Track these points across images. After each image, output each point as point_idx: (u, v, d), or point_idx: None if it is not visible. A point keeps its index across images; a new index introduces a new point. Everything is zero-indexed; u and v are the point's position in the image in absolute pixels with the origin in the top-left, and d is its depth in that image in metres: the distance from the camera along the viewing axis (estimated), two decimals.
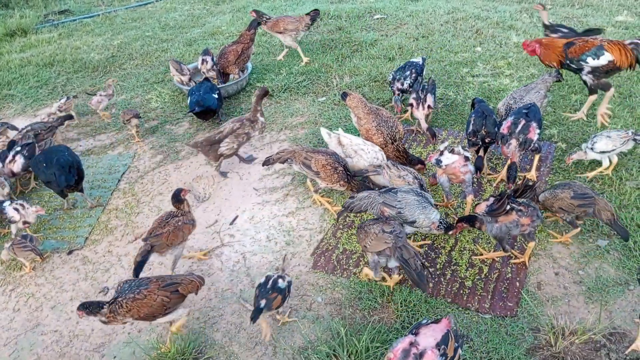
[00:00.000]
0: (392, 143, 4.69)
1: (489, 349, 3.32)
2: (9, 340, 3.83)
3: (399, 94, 5.59)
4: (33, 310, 4.06)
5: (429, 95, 5.29)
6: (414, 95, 5.36)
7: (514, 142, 4.32)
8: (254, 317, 3.35)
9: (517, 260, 3.90)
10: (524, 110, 4.44)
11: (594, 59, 4.87)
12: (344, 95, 4.98)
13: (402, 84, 5.56)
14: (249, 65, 6.90)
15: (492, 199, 3.68)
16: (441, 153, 4.23)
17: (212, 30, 9.08)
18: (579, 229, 4.00)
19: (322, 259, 4.14)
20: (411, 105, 5.37)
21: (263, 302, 3.38)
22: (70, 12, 11.27)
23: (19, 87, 7.65)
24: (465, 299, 3.68)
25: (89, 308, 3.34)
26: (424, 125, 5.29)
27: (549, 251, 4.00)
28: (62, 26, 10.35)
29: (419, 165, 4.69)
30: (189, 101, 5.94)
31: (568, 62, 4.98)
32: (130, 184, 5.36)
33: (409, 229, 3.77)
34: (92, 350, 3.70)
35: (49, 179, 4.70)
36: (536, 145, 4.40)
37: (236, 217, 4.74)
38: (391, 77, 5.72)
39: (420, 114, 5.29)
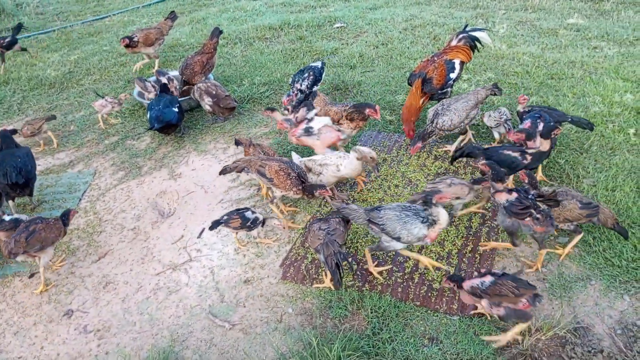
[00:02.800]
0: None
1: (458, 350, 3.36)
2: None
3: (296, 94, 5.78)
4: None
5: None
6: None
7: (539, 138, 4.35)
8: (212, 226, 4.25)
9: (530, 270, 3.89)
10: (535, 115, 4.56)
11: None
12: (237, 142, 5.12)
13: (301, 85, 5.78)
14: (211, 76, 6.86)
15: (515, 196, 3.64)
16: (309, 120, 4.92)
17: (171, 42, 8.99)
18: (582, 234, 3.96)
19: (291, 269, 4.13)
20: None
21: (225, 217, 4.21)
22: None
23: None
24: (433, 301, 3.72)
25: None
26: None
27: (512, 251, 4.09)
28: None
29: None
30: (148, 116, 5.85)
31: None
32: (91, 202, 5.24)
33: (398, 245, 3.75)
34: None
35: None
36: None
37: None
38: (291, 79, 5.96)
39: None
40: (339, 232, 3.86)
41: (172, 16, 7.78)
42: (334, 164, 4.52)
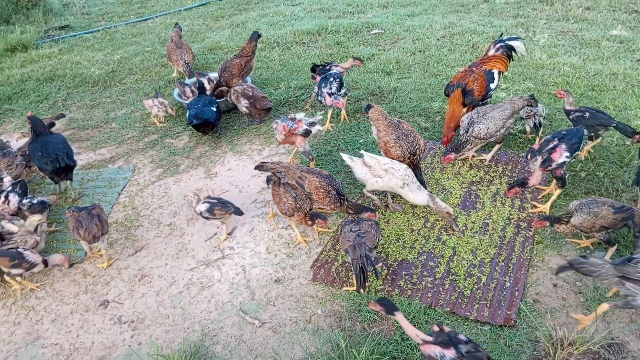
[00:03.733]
0: (410, 157, 4.68)
1: None
2: (9, 354, 3.83)
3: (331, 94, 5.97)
4: (33, 323, 4.07)
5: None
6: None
7: (539, 159, 4.33)
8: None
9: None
10: (563, 132, 4.43)
11: None
12: (368, 107, 5.02)
13: (330, 89, 5.95)
14: (249, 78, 6.97)
15: None
16: (312, 124, 5.12)
17: (211, 45, 9.17)
18: (616, 245, 3.93)
19: (321, 271, 4.16)
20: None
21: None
22: (70, 27, 11.37)
23: (19, 101, 7.70)
24: (464, 307, 3.70)
25: None
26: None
27: (547, 263, 4.03)
28: (63, 41, 10.44)
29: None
30: (187, 114, 5.99)
31: None
32: (130, 197, 5.39)
33: None
34: None
35: (41, 165, 5.15)
36: (561, 172, 4.38)
37: (234, 228, 4.77)
38: (317, 87, 6.11)
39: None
40: (369, 235, 3.87)
41: (177, 27, 8.09)
42: (401, 179, 4.36)
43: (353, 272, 3.81)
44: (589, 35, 7.95)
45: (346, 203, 4.37)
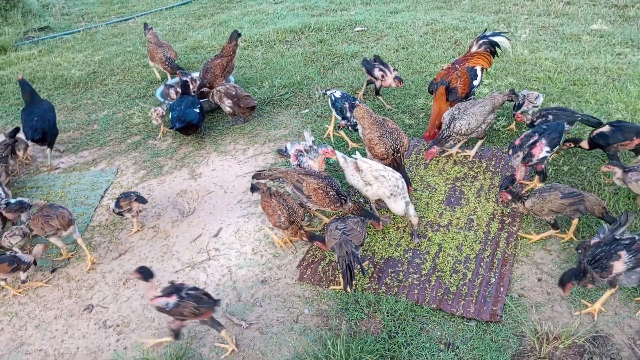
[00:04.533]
0: (394, 154, 4.67)
1: (475, 356, 3.34)
2: None
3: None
4: (17, 329, 4.01)
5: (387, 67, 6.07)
6: (377, 69, 6.05)
7: (520, 155, 4.38)
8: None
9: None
10: (544, 126, 4.47)
11: None
12: (352, 106, 4.95)
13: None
14: (232, 77, 6.93)
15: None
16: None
17: (193, 44, 9.11)
18: (559, 229, 4.10)
19: (308, 271, 4.15)
20: (382, 75, 6.06)
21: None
22: (50, 29, 11.21)
23: None
24: (450, 304, 3.71)
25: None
26: (393, 83, 6.06)
27: (531, 258, 4.06)
28: (43, 43, 10.30)
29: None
30: (170, 117, 5.93)
31: None
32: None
33: None
34: None
35: (25, 131, 5.80)
36: (542, 167, 4.42)
37: (220, 229, 4.74)
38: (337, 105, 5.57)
39: (389, 79, 6.03)
40: (355, 232, 3.86)
41: (148, 28, 7.96)
42: (389, 190, 4.25)
43: (340, 270, 3.80)
44: (569, 30, 8.02)
45: (351, 204, 4.31)
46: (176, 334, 3.49)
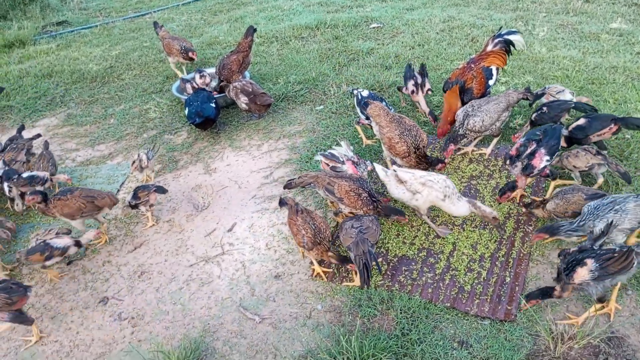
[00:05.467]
0: (415, 152, 4.64)
1: (488, 355, 3.33)
2: (9, 351, 3.83)
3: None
4: None
5: (426, 80, 5.72)
6: (412, 82, 5.66)
7: (519, 165, 4.32)
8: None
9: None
10: (538, 132, 4.37)
11: None
12: (365, 104, 4.88)
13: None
14: (247, 74, 6.95)
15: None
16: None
17: (209, 40, 9.14)
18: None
19: (321, 267, 4.15)
20: (412, 92, 5.67)
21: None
22: (68, 23, 11.31)
23: (17, 98, 7.67)
24: (464, 302, 3.69)
25: (42, 195, 4.45)
26: (426, 109, 5.63)
27: (547, 257, 4.03)
28: (60, 37, 10.40)
29: (440, 165, 4.75)
30: (187, 112, 5.97)
31: None
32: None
33: None
34: None
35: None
36: (547, 172, 4.35)
37: (234, 224, 4.77)
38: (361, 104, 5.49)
39: (420, 98, 5.68)
40: (371, 230, 3.85)
41: (159, 27, 7.81)
42: (442, 191, 4.09)
43: (357, 269, 3.80)
44: (588, 29, 7.92)
45: (378, 205, 4.23)
46: None
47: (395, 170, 4.25)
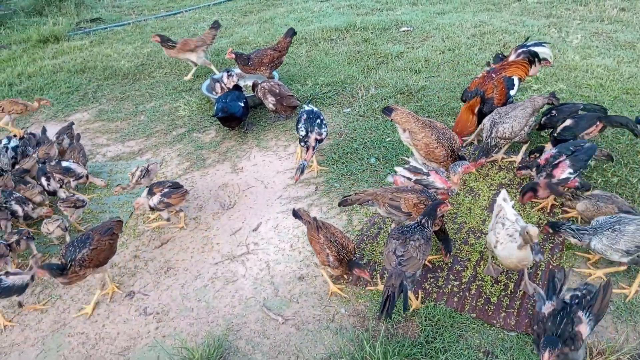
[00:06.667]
0: (452, 155, 4.57)
1: None
2: (37, 341, 3.90)
3: None
4: (60, 312, 4.13)
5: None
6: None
7: (544, 174, 4.28)
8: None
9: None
10: (571, 147, 4.32)
11: None
12: (388, 111, 4.72)
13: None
14: (276, 74, 6.97)
15: None
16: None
17: (239, 40, 9.20)
18: None
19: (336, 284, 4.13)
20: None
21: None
22: (101, 20, 11.51)
23: (51, 92, 7.83)
24: (490, 314, 3.64)
25: (52, 269, 3.81)
26: None
27: (576, 270, 3.95)
28: (94, 34, 10.58)
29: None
30: (215, 107, 6.03)
31: None
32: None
33: None
34: (117, 353, 3.74)
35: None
36: (576, 184, 4.27)
37: (259, 224, 4.79)
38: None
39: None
40: (413, 261, 3.43)
41: (216, 25, 7.85)
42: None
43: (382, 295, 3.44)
44: (623, 37, 7.76)
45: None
46: None
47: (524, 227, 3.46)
